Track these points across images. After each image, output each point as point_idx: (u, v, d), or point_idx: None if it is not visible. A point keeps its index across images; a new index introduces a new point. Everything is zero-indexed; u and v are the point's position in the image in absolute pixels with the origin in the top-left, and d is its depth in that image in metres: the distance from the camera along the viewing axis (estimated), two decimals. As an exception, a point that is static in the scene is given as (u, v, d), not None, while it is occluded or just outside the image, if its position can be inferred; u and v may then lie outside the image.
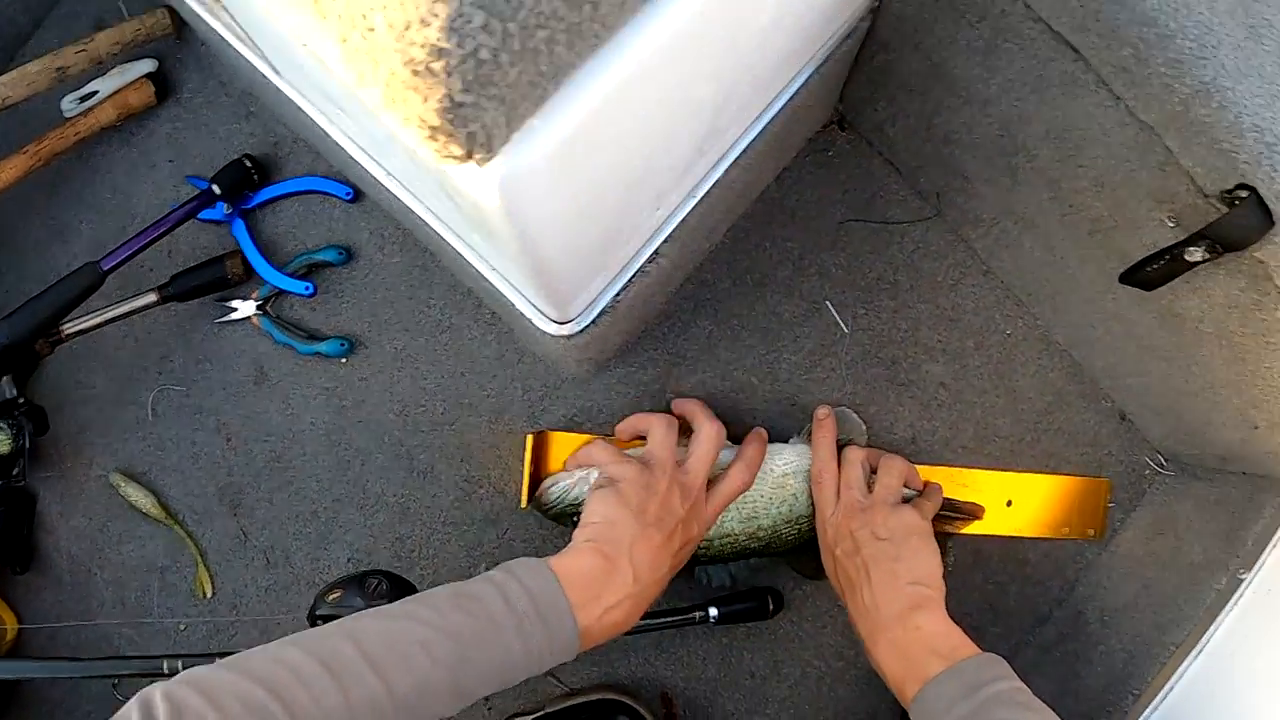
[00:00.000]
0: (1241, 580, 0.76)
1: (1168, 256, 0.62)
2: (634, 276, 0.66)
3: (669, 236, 0.66)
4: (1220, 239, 0.57)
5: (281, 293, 0.84)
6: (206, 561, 0.85)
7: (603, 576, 0.60)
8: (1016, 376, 0.81)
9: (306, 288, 0.83)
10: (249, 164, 0.84)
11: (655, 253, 0.66)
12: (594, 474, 0.70)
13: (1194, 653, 0.77)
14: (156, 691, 0.47)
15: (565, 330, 0.66)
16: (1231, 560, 0.76)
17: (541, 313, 0.67)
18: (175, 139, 0.87)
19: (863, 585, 0.67)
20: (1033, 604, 0.83)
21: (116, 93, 0.85)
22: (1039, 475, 0.82)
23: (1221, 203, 0.57)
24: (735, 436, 0.76)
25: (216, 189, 0.82)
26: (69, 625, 0.84)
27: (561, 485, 0.72)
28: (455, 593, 0.56)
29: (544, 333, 0.66)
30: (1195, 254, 0.59)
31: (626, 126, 0.48)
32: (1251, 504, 0.78)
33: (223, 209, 0.84)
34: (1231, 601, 0.76)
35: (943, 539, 0.80)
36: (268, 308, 0.84)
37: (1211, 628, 0.76)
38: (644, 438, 0.71)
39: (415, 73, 0.34)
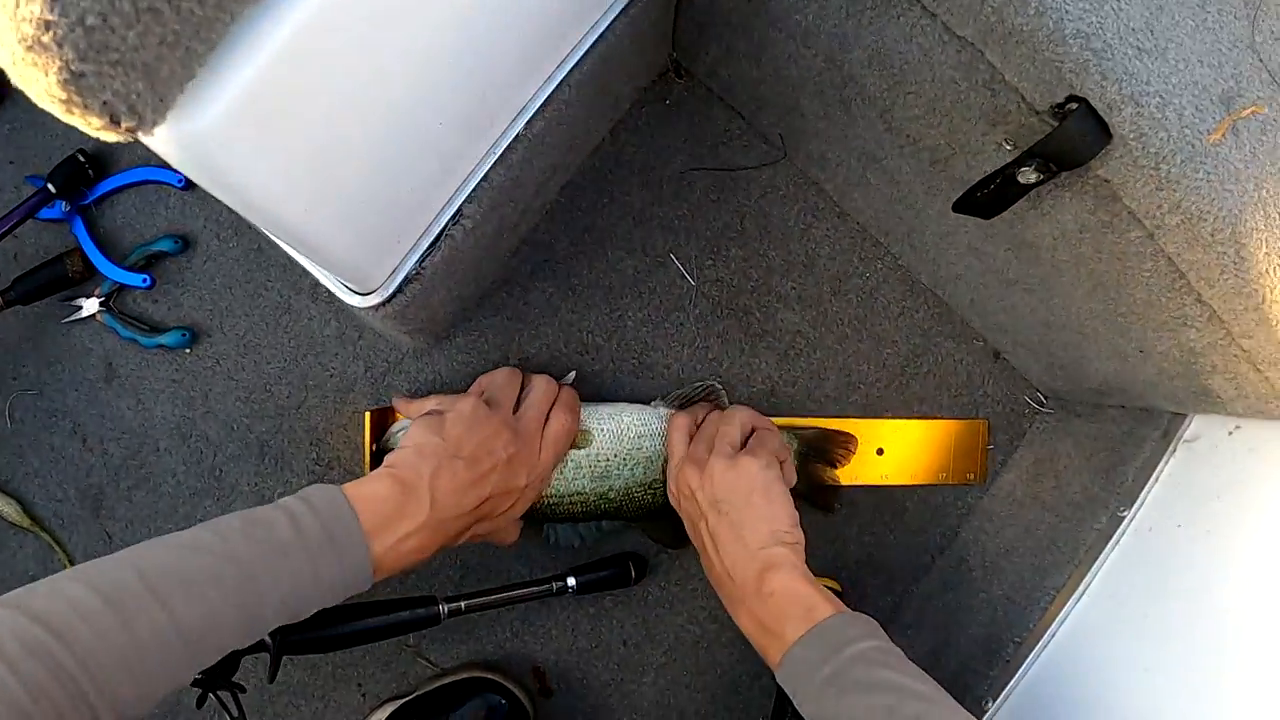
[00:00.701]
0: (1122, 519, 0.73)
1: (999, 180, 0.57)
2: (438, 240, 0.63)
3: (470, 196, 0.62)
4: (1053, 156, 0.52)
5: (123, 287, 0.81)
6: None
7: (399, 503, 0.58)
8: (879, 320, 0.77)
9: (144, 280, 0.80)
10: (83, 159, 0.80)
11: (458, 214, 0.62)
12: None
13: (1076, 595, 0.73)
14: None
15: (370, 300, 0.63)
16: (1112, 498, 0.73)
17: (343, 284, 0.63)
18: (13, 140, 0.84)
19: (713, 554, 0.64)
20: (914, 554, 0.79)
21: (-52, 98, 0.82)
22: (911, 420, 0.78)
23: (1053, 118, 0.52)
24: (588, 399, 0.73)
25: (52, 187, 0.79)
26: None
27: (402, 429, 0.70)
28: (245, 519, 0.54)
29: (350, 305, 0.63)
30: (1028, 175, 0.54)
31: (339, 78, 0.45)
32: (1131, 438, 0.74)
33: (61, 207, 0.80)
34: (1113, 541, 0.72)
35: (829, 493, 0.76)
36: (111, 303, 0.81)
37: (1093, 568, 0.72)
38: None
39: (29, 48, 0.33)
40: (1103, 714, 0.68)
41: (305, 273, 0.78)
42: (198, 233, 0.80)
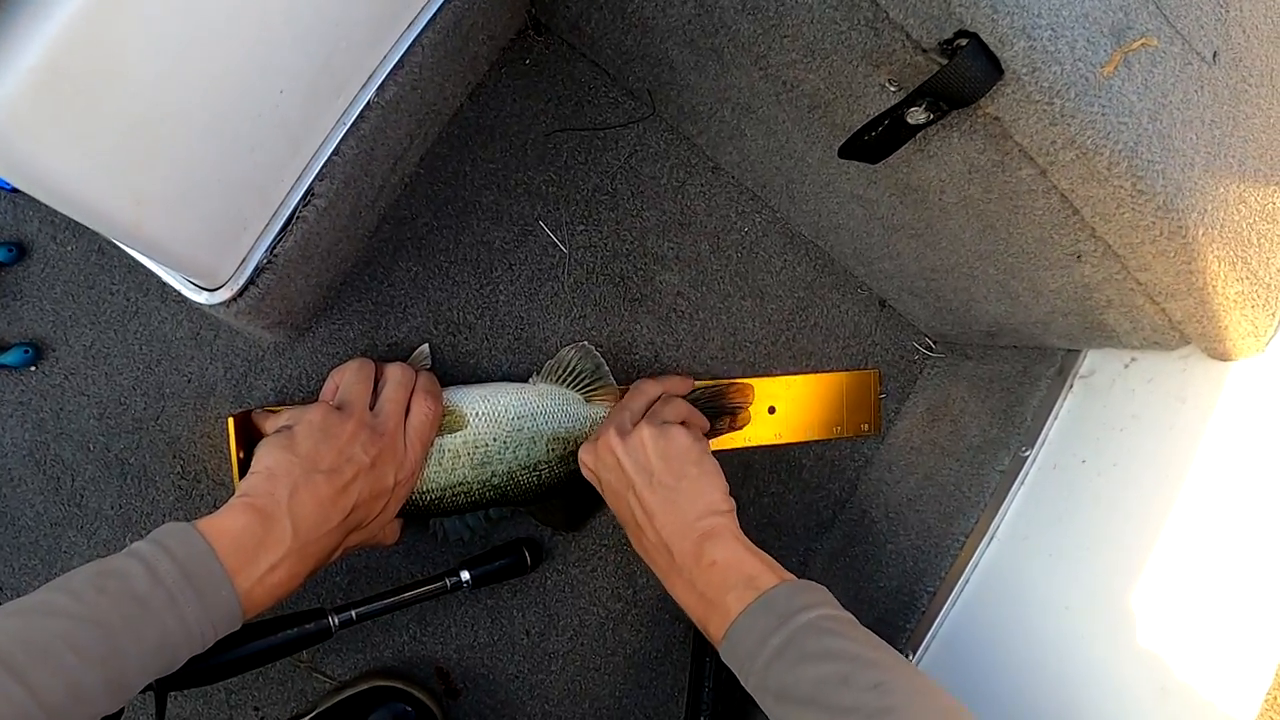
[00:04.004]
0: (1025, 458, 0.68)
1: (887, 121, 0.52)
2: (289, 224, 0.54)
3: (321, 173, 0.54)
4: (943, 95, 0.47)
5: (-45, 305, 0.70)
6: (-65, 611, 0.72)
7: (259, 534, 0.52)
8: (761, 275, 0.71)
9: (-24, 295, 0.69)
10: (-100, 168, 0.70)
11: (309, 193, 0.54)
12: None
13: (985, 539, 0.68)
14: None
15: (219, 296, 0.54)
16: (1012, 438, 0.68)
17: (187, 280, 0.55)
18: None
19: (646, 526, 0.57)
20: (814, 511, 0.73)
21: None
22: (800, 376, 0.72)
23: (941, 55, 0.47)
24: (464, 381, 0.65)
25: None
26: None
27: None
28: (97, 573, 0.47)
29: (196, 303, 0.55)
30: (918, 115, 0.49)
31: (154, 41, 0.37)
32: (1026, 378, 0.70)
33: (-121, 223, 0.70)
34: (1017, 481, 0.68)
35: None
36: (-57, 324, 0.71)
37: (1000, 511, 0.68)
38: None
39: None
40: (1023, 654, 0.63)
41: (151, 271, 0.69)
42: (32, 237, 0.70)
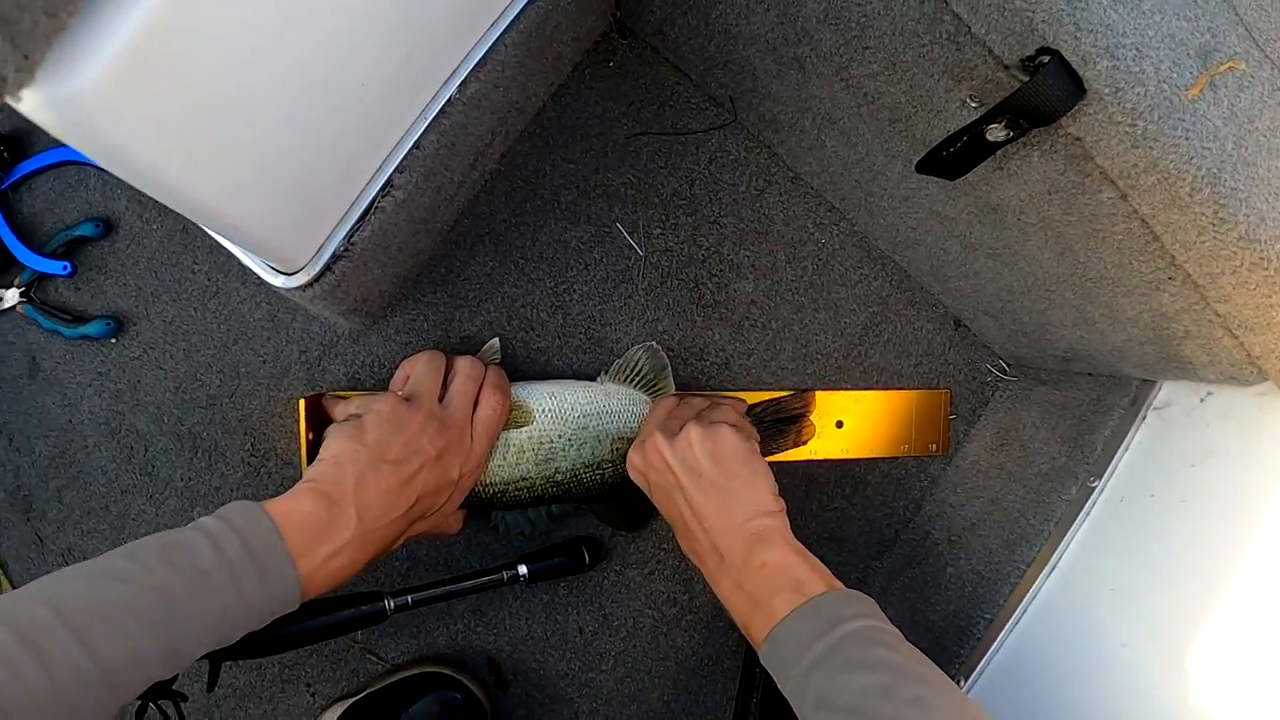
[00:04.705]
0: (1093, 489, 0.66)
1: (966, 137, 0.50)
2: (367, 214, 0.54)
3: (401, 165, 0.54)
4: (1023, 112, 0.46)
5: (44, 276, 0.72)
6: (8, 572, 0.74)
7: (324, 520, 0.52)
8: (836, 288, 0.70)
9: (64, 267, 0.71)
10: (-2, 141, 0.72)
11: (388, 184, 0.54)
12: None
13: (1047, 569, 0.66)
14: None
15: (295, 281, 0.55)
16: (1080, 468, 0.66)
17: (267, 264, 0.55)
18: (-77, 123, 0.75)
19: (694, 526, 0.57)
20: (876, 529, 0.72)
21: None
22: (871, 391, 0.71)
23: (1023, 72, 0.45)
24: (533, 377, 0.65)
25: (-34, 172, 0.70)
26: None
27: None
28: (164, 544, 0.48)
29: (275, 287, 0.55)
30: (997, 132, 0.48)
31: (242, 29, 0.37)
32: (1099, 406, 0.67)
33: (-25, 193, 0.72)
34: (1083, 512, 0.66)
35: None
36: (31, 294, 0.72)
37: (1064, 541, 0.66)
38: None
39: None
40: (1078, 689, 0.61)
41: (232, 254, 0.70)
42: (120, 215, 0.71)
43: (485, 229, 0.67)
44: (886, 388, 0.71)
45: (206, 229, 0.51)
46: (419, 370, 0.60)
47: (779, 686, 0.51)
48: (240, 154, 0.43)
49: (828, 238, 0.70)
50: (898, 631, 0.51)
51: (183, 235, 0.70)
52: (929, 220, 0.65)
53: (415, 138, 0.54)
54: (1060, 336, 0.67)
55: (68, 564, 0.72)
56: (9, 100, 0.33)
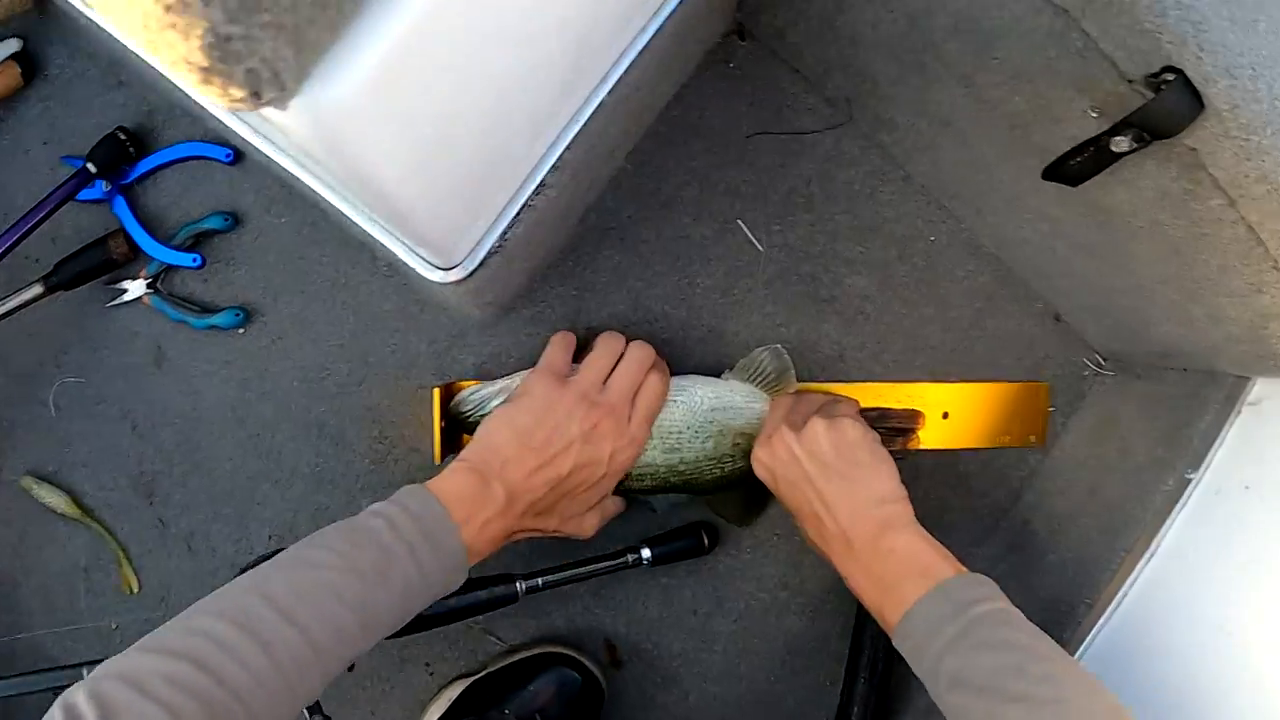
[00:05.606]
0: (1189, 480, 0.68)
1: (1092, 148, 0.53)
2: (521, 212, 0.57)
3: (555, 165, 0.56)
4: (1147, 126, 0.48)
5: (170, 268, 0.73)
6: (129, 556, 0.75)
7: (478, 491, 0.57)
8: (944, 284, 0.72)
9: (194, 259, 0.72)
10: (124, 136, 0.73)
11: (541, 184, 0.56)
12: (516, 383, 0.63)
13: (1145, 557, 0.68)
14: (80, 692, 0.42)
15: (453, 276, 0.57)
16: (1178, 460, 0.68)
17: (426, 260, 0.57)
18: (47, 119, 0.76)
19: (824, 515, 0.59)
20: (977, 517, 0.74)
21: (-18, 80, 0.74)
22: (975, 384, 0.73)
23: (1147, 88, 0.48)
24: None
25: (92, 167, 0.72)
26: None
27: (481, 395, 0.65)
28: (347, 529, 0.53)
29: (432, 281, 0.57)
30: (1121, 144, 0.51)
31: (463, 46, 0.39)
32: (1195, 400, 0.69)
33: (101, 187, 0.73)
34: (1180, 502, 0.68)
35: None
36: (158, 285, 0.74)
37: (1161, 530, 0.68)
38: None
39: (168, 8, 0.28)
40: (1177, 675, 0.64)
41: (362, 246, 0.72)
42: (247, 208, 0.73)
43: (612, 223, 0.69)
44: (989, 380, 0.73)
45: (375, 229, 0.53)
46: (593, 353, 0.63)
47: (913, 669, 0.54)
48: (446, 159, 0.45)
49: (937, 235, 0.72)
50: (1022, 615, 0.53)
51: (310, 229, 0.72)
52: (1038, 221, 0.67)
53: (570, 138, 0.56)
54: (1160, 333, 0.69)
55: (190, 549, 0.75)
56: (274, 109, 0.34)
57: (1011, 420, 0.74)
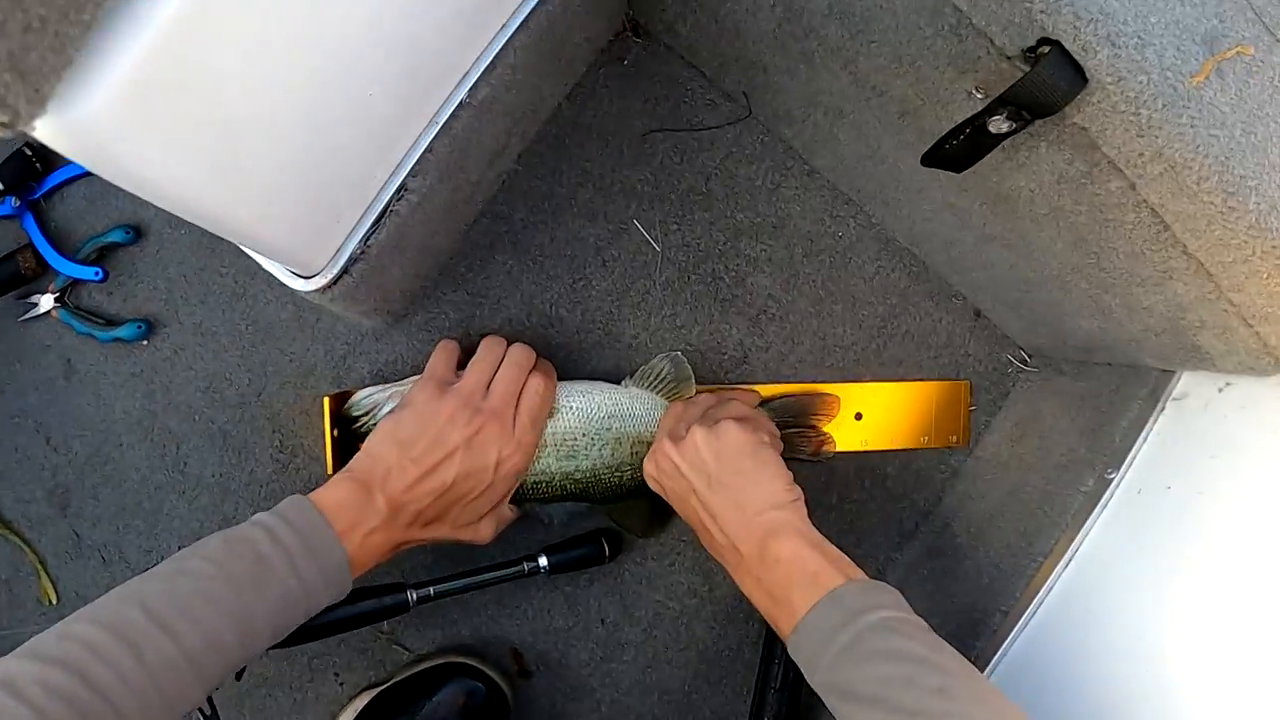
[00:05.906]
0: (1110, 480, 0.65)
1: (968, 130, 0.50)
2: (382, 217, 0.55)
3: (413, 170, 0.55)
4: (1024, 103, 0.45)
5: (77, 281, 0.73)
6: (47, 568, 0.76)
7: (360, 503, 0.57)
8: (854, 281, 0.69)
9: (96, 273, 0.72)
10: (29, 153, 0.73)
11: (401, 188, 0.55)
12: (408, 388, 0.62)
13: (1063, 562, 0.66)
14: None
15: (314, 284, 0.56)
16: (1099, 459, 0.65)
17: (286, 268, 0.56)
18: (-39, 134, 0.76)
19: (711, 526, 0.57)
20: (896, 521, 0.72)
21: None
22: (890, 384, 0.70)
23: (1024, 63, 0.45)
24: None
25: (0, 184, 0.72)
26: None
27: (372, 399, 0.64)
28: (226, 539, 0.53)
29: (293, 289, 0.56)
30: (1000, 124, 0.47)
31: (237, 53, 0.38)
32: (1118, 396, 0.66)
33: (10, 203, 0.73)
34: (1100, 504, 0.65)
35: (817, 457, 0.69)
36: (65, 299, 0.74)
37: (1080, 534, 0.65)
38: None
39: None
40: (1093, 684, 0.61)
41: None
42: (149, 221, 0.72)
43: (504, 228, 0.67)
44: (906, 379, 0.70)
45: (225, 238, 0.52)
46: (474, 360, 0.62)
47: (808, 679, 0.52)
48: (252, 165, 0.43)
49: (845, 230, 0.69)
50: (922, 621, 0.51)
51: (209, 240, 0.71)
52: (943, 212, 0.65)
53: (427, 142, 0.55)
54: (1078, 326, 0.66)
55: (104, 561, 0.75)
56: (24, 129, 0.34)
57: (930, 420, 0.71)
